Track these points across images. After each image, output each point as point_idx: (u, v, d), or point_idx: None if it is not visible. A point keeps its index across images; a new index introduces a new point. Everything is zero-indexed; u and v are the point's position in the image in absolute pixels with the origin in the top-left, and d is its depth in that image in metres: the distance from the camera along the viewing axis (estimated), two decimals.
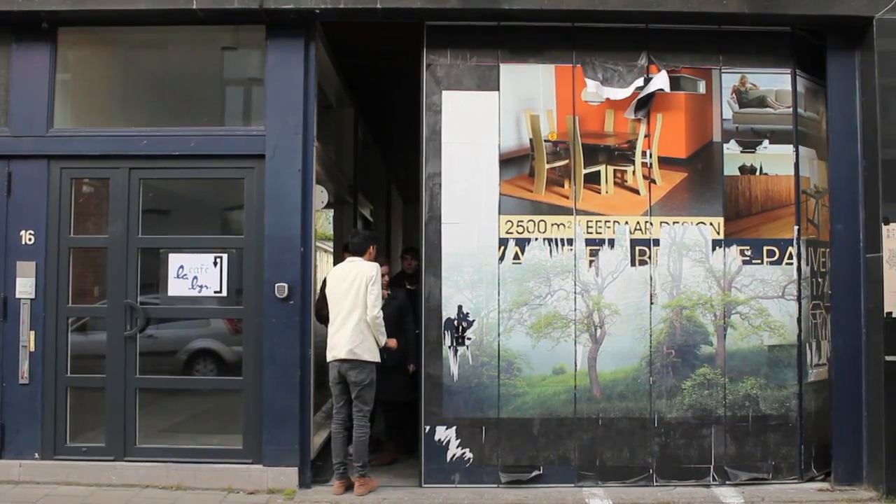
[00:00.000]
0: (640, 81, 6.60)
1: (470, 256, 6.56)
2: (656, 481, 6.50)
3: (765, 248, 6.66)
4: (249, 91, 7.43)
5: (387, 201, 13.93)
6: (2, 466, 6.45)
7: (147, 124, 6.87)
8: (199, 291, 6.62)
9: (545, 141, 6.65)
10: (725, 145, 6.70)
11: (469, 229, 6.57)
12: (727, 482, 6.49)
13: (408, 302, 7.36)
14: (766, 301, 6.63)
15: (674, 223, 6.63)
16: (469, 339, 6.53)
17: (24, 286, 6.55)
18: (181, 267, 6.60)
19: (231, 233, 7.04)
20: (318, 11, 6.41)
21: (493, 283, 6.55)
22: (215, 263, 6.59)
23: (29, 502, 5.95)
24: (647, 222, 6.62)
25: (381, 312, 6.39)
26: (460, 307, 6.54)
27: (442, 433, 6.51)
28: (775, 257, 6.66)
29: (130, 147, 6.63)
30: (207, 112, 7.20)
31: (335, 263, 9.81)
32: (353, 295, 6.30)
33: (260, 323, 6.48)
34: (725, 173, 6.68)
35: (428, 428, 6.52)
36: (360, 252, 6.57)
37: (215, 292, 6.62)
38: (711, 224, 6.63)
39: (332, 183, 8.15)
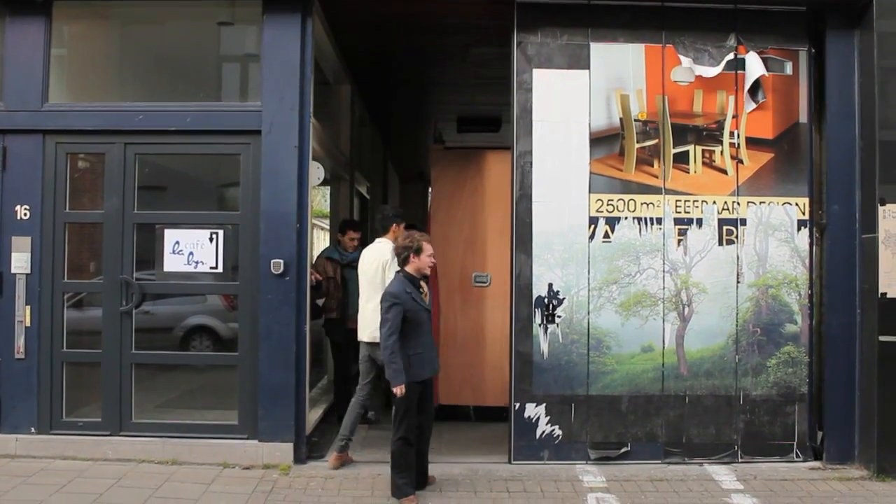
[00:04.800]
0: (730, 56, 6.64)
1: (560, 235, 6.60)
2: (741, 458, 6.59)
3: None
4: (246, 67, 7.41)
5: (384, 179, 13.92)
6: None
7: (143, 99, 6.86)
8: (195, 267, 6.61)
9: (635, 120, 6.68)
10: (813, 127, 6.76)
11: (559, 208, 6.61)
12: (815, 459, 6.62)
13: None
14: None
15: (760, 203, 6.68)
16: (559, 316, 6.57)
17: (20, 261, 6.54)
18: (177, 243, 6.59)
19: (227, 209, 7.04)
20: None
21: (583, 262, 6.59)
22: (211, 239, 6.58)
23: (25, 476, 5.97)
24: (734, 202, 6.67)
25: None
26: (550, 285, 6.58)
27: (531, 410, 6.57)
28: None
29: (126, 122, 6.59)
30: (204, 87, 7.18)
31: (331, 240, 9.85)
32: (370, 277, 6.38)
33: (256, 299, 6.48)
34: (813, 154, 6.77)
35: (518, 405, 6.58)
36: (382, 231, 6.69)
37: (211, 268, 6.62)
38: (797, 204, 6.69)
39: (329, 159, 8.14)
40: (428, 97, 10.90)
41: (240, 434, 6.53)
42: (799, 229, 6.68)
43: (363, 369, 6.49)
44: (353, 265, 7.68)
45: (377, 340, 6.06)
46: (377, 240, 6.66)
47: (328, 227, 11.61)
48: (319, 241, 15.64)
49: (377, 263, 6.40)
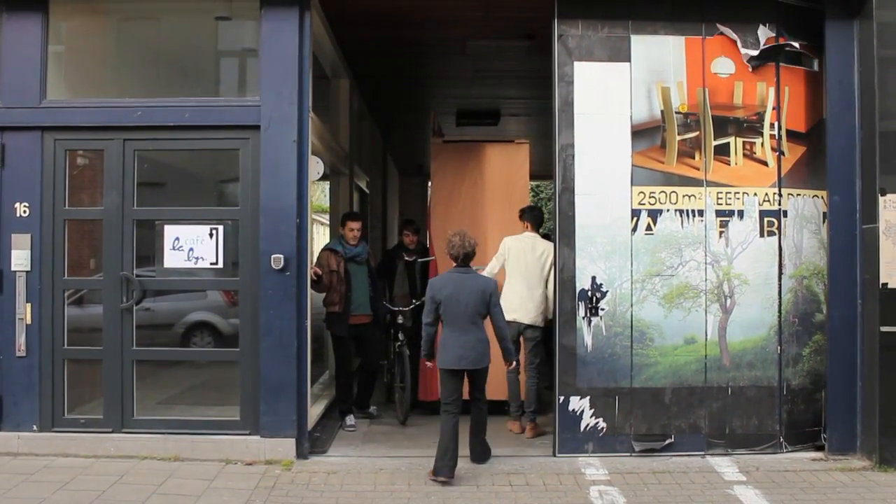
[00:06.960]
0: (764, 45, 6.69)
1: (603, 227, 6.59)
2: (785, 448, 6.61)
3: None
4: (244, 61, 7.39)
5: (383, 173, 13.90)
6: (0, 438, 6.48)
7: (141, 95, 6.82)
8: (195, 263, 6.61)
9: (676, 113, 6.67)
10: None
11: (602, 200, 6.61)
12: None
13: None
14: None
15: (797, 195, 6.73)
16: (603, 309, 6.58)
17: (20, 259, 6.53)
18: (177, 239, 6.58)
19: (226, 204, 7.03)
20: None
21: (625, 254, 6.59)
22: (211, 235, 6.57)
23: (27, 474, 5.97)
24: (775, 194, 6.68)
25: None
26: (594, 278, 6.58)
27: (576, 403, 6.58)
28: None
29: (125, 118, 6.57)
30: (202, 83, 7.17)
31: (331, 235, 9.83)
32: (538, 270, 6.93)
33: (256, 294, 6.47)
34: None
35: (562, 398, 6.59)
36: (536, 227, 7.49)
37: (211, 264, 6.60)
38: (822, 197, 6.75)
39: (328, 154, 8.12)
40: (427, 90, 10.87)
41: (242, 430, 6.52)
42: (824, 221, 6.73)
43: (535, 351, 7.32)
44: (356, 259, 7.66)
45: (537, 324, 7.25)
46: (527, 234, 7.38)
47: (328, 222, 11.59)
48: (319, 236, 15.63)
49: (547, 257, 7.20)
